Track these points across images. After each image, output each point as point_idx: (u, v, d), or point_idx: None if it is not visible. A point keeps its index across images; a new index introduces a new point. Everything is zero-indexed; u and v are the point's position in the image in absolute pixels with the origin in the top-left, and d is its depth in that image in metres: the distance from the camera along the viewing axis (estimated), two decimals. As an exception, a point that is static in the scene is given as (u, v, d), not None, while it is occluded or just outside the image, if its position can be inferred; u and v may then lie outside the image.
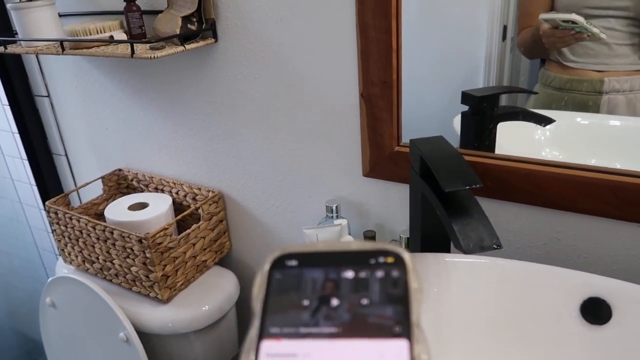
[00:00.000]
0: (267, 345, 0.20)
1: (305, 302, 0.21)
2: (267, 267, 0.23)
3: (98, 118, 1.17)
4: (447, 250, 0.67)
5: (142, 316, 0.95)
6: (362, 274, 0.22)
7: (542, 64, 0.72)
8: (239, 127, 0.95)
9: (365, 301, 0.21)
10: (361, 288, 0.21)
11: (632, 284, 0.54)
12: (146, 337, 0.96)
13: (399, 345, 0.19)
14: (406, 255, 0.22)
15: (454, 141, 0.74)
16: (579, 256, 0.71)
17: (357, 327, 0.20)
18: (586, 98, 0.69)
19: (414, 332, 0.20)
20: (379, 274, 0.22)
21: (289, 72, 0.84)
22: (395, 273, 0.22)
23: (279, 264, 0.23)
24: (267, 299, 0.22)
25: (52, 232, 1.08)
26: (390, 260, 0.22)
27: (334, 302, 0.21)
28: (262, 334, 0.20)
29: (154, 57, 0.79)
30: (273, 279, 0.22)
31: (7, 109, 1.29)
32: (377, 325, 0.20)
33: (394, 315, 0.20)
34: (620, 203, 0.64)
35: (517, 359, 0.57)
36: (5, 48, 0.97)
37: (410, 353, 0.19)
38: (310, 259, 0.23)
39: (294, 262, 0.23)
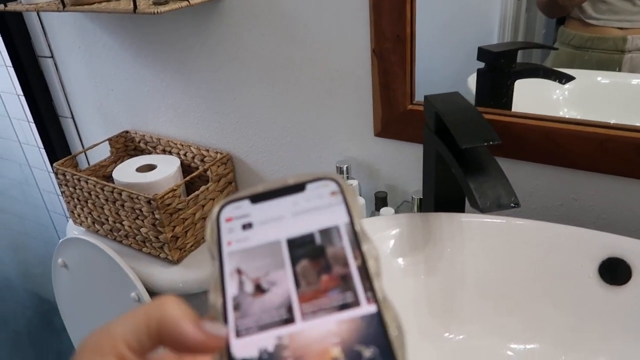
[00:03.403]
0: (230, 284, 0.22)
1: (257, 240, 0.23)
2: (215, 211, 0.24)
3: (103, 79, 1.15)
4: (462, 211, 0.65)
5: (153, 277, 0.96)
6: (302, 203, 0.23)
7: (561, 22, 0.69)
8: (246, 87, 0.93)
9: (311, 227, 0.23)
10: (303, 214, 0.23)
11: (653, 244, 0.52)
12: (157, 298, 0.97)
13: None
14: (340, 180, 0.24)
15: (469, 101, 0.72)
16: (597, 217, 0.69)
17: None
18: (607, 57, 0.66)
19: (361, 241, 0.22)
20: (319, 201, 0.24)
21: (297, 28, 0.81)
22: (333, 194, 0.24)
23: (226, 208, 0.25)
24: (221, 241, 0.23)
25: (62, 194, 1.08)
26: (328, 185, 0.24)
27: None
28: (224, 274, 0.22)
29: (158, 12, 0.76)
30: (222, 223, 0.24)
31: (11, 70, 1.27)
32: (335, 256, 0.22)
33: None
34: (643, 162, 0.61)
35: (533, 321, 0.57)
36: (5, 5, 0.94)
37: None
38: (254, 200, 0.24)
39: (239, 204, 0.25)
